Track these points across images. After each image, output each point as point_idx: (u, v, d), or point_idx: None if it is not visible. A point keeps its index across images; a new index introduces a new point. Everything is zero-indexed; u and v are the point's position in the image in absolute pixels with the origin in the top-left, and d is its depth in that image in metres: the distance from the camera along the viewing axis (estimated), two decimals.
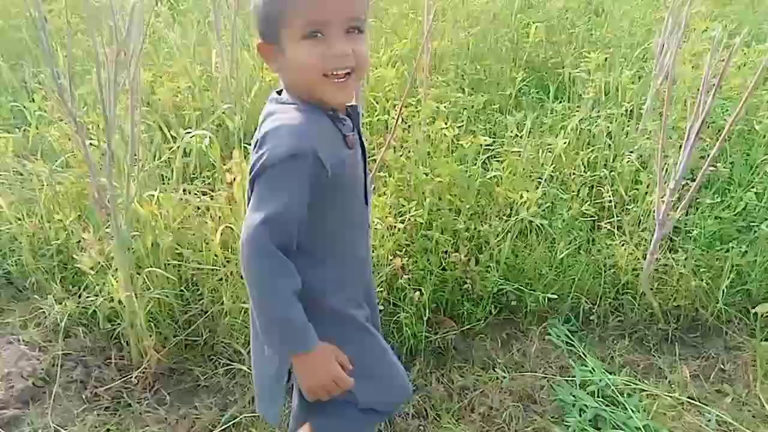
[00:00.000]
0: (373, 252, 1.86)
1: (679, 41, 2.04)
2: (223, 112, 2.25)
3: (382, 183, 2.07)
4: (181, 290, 1.87)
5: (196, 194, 2.03)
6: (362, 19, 1.03)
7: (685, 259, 1.96)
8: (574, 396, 1.72)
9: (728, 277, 1.91)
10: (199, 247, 1.88)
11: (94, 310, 1.84)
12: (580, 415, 1.66)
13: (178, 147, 2.00)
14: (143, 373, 1.77)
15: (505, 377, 1.80)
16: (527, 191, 2.01)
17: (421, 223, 1.99)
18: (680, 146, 1.78)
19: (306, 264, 1.08)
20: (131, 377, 1.78)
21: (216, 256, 1.86)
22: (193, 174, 2.31)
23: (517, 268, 2.05)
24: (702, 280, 1.93)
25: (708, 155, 1.70)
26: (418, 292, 1.87)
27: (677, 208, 1.84)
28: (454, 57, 2.98)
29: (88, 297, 1.86)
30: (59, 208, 2.05)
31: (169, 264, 1.83)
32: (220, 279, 1.89)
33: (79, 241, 1.88)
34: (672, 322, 1.99)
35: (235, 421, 1.67)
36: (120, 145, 1.73)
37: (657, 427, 1.63)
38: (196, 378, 1.80)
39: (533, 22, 3.14)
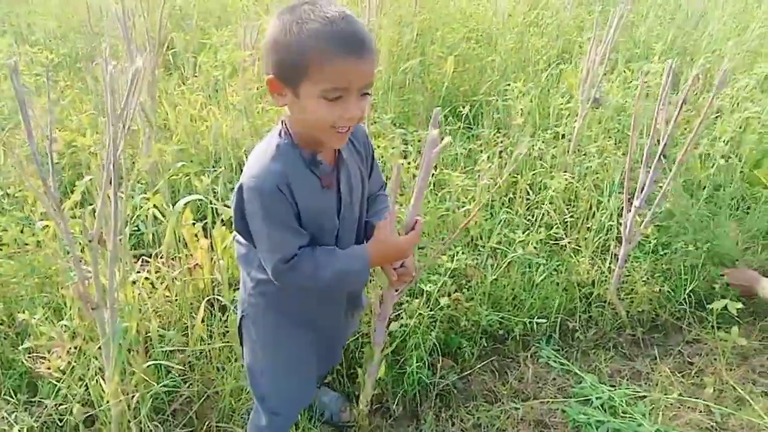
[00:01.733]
0: None
1: (605, 68, 2.24)
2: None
3: None
4: (170, 381, 1.66)
5: (158, 268, 1.82)
6: (372, 82, 1.11)
7: (645, 268, 2.14)
8: (585, 414, 1.79)
9: (685, 280, 2.12)
10: (181, 327, 1.69)
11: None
12: (597, 431, 1.73)
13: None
14: None
15: (518, 408, 1.83)
16: (487, 220, 2.08)
17: None
18: (623, 169, 1.95)
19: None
20: None
21: (200, 333, 1.69)
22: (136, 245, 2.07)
23: (494, 296, 2.10)
24: (662, 285, 2.12)
25: (667, 176, 1.87)
26: (418, 335, 1.84)
27: (640, 224, 2.00)
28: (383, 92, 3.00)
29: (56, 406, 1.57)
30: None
31: (150, 353, 1.62)
32: (205, 357, 1.71)
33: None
34: (638, 327, 2.16)
35: None
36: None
37: (666, 430, 1.74)
38: None
39: (444, 55, 3.27)
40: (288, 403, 1.46)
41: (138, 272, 1.63)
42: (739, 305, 1.99)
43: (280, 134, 1.15)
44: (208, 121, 2.42)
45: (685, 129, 2.79)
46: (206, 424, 1.67)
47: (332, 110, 1.07)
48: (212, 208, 1.90)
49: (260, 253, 1.19)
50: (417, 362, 1.83)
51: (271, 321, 1.35)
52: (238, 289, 1.75)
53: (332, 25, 1.02)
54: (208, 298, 1.68)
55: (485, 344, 2.04)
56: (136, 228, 1.95)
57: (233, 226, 1.23)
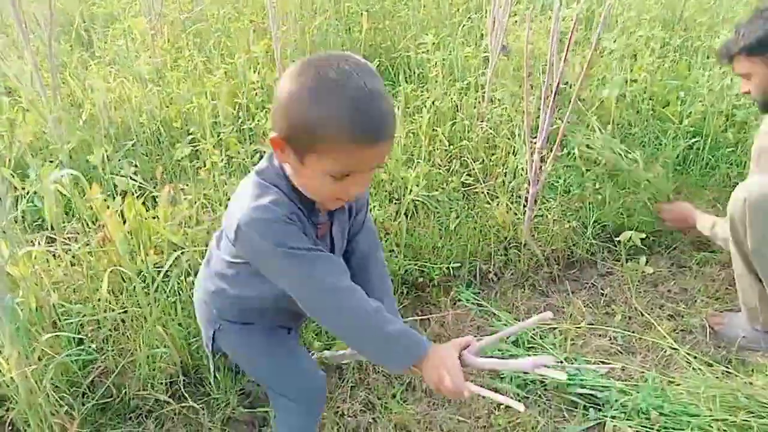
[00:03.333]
0: None
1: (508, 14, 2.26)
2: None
3: None
4: (79, 351, 1.65)
5: (65, 242, 1.79)
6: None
7: (555, 207, 2.21)
8: (500, 350, 1.86)
9: (592, 217, 2.20)
10: (86, 298, 1.67)
11: None
12: None
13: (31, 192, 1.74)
14: None
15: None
16: (410, 171, 2.11)
17: None
18: (524, 111, 1.99)
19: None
20: None
21: (108, 302, 1.68)
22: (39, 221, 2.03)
23: (414, 246, 2.14)
24: (573, 222, 2.19)
25: (566, 114, 1.92)
26: None
27: (545, 164, 2.06)
28: (298, 52, 2.96)
29: None
30: None
31: (59, 325, 1.60)
32: (116, 328, 1.70)
33: None
34: (554, 265, 2.23)
35: None
36: None
37: (574, 356, 1.83)
38: None
39: (360, 11, 3.24)
40: (307, 390, 1.42)
41: (34, 247, 1.60)
42: (642, 235, 2.09)
43: (271, 177, 1.11)
44: (115, 92, 2.36)
45: (597, 73, 2.85)
46: (125, 393, 1.67)
47: (337, 186, 1.03)
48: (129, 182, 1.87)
49: (292, 283, 1.11)
50: None
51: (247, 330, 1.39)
52: (144, 261, 1.75)
53: (354, 105, 0.94)
54: (112, 268, 1.66)
55: (407, 293, 2.09)
56: (32, 204, 1.91)
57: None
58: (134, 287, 1.66)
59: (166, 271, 1.72)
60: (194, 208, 1.86)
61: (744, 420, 1.55)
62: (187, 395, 1.73)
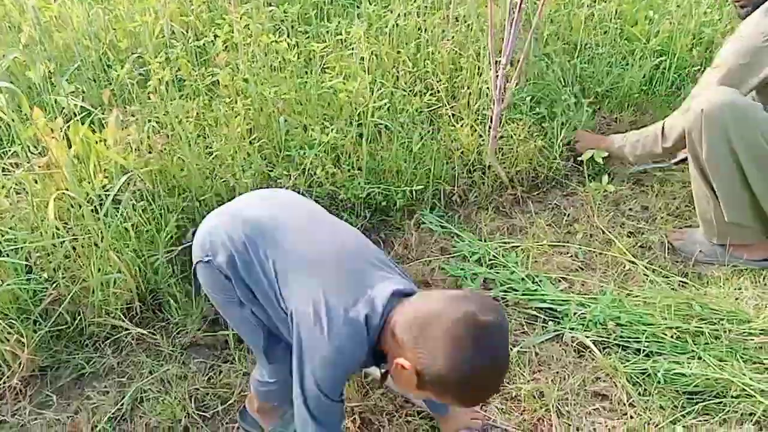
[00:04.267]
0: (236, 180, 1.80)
1: None
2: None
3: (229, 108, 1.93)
4: (27, 279, 1.59)
5: (6, 169, 1.70)
6: None
7: (521, 127, 2.17)
8: (462, 269, 1.86)
9: (559, 136, 2.18)
10: (34, 227, 1.60)
11: None
12: (473, 282, 1.81)
13: None
14: (7, 382, 1.51)
15: None
16: (371, 94, 2.04)
17: (280, 144, 1.93)
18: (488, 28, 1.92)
19: None
20: None
21: (58, 229, 1.61)
22: None
23: (377, 170, 2.10)
24: (538, 141, 2.16)
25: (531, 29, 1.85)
26: None
27: (509, 83, 2.00)
28: None
29: None
30: None
31: (4, 253, 1.54)
32: (67, 256, 1.65)
33: None
34: (518, 186, 2.22)
35: (144, 395, 1.52)
36: None
37: (536, 273, 1.84)
38: (79, 367, 1.58)
39: None
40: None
41: None
42: (604, 154, 2.08)
43: (373, 325, 1.07)
44: (55, 11, 2.21)
45: None
46: (78, 320, 1.64)
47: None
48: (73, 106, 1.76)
49: (296, 386, 1.11)
50: None
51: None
52: (92, 184, 1.68)
53: (495, 387, 1.08)
54: (59, 193, 1.59)
55: (370, 217, 2.06)
56: None
57: None
58: (83, 213, 1.60)
59: (116, 196, 1.65)
60: (144, 132, 1.78)
61: (696, 327, 1.59)
62: (145, 321, 1.71)
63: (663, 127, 1.98)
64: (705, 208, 1.85)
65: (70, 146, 1.70)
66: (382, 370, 1.18)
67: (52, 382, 1.57)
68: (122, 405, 1.50)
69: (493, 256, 1.91)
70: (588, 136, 2.27)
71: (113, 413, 1.49)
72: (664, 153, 2.02)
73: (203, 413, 1.50)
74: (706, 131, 1.70)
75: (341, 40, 2.30)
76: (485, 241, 1.99)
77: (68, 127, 1.70)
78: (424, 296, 1.08)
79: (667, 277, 1.83)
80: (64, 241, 1.59)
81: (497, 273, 1.84)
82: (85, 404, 1.51)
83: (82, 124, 1.73)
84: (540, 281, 1.81)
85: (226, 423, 1.49)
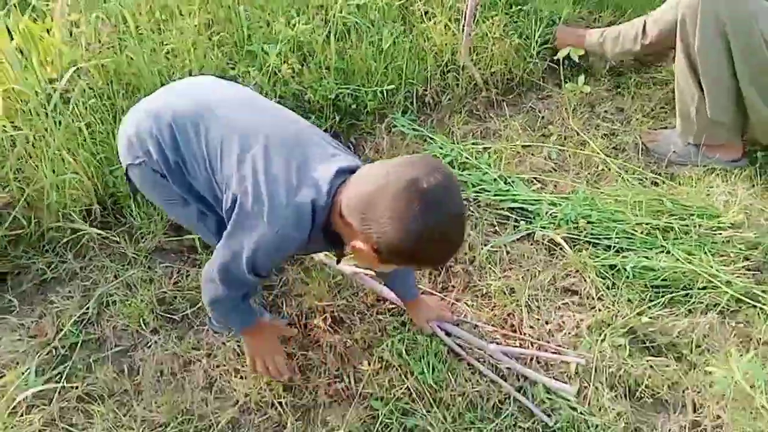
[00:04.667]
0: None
1: None
2: None
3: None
4: None
5: None
6: None
7: (496, 24, 2.08)
8: None
9: (536, 34, 2.09)
10: None
11: None
12: None
13: None
14: None
15: None
16: None
17: (242, 39, 1.81)
18: None
19: None
20: None
21: (5, 128, 1.51)
22: None
23: (347, 71, 2.00)
24: (513, 39, 2.08)
25: None
26: None
27: None
28: None
29: None
30: None
31: None
32: (20, 158, 1.56)
33: None
34: (493, 89, 2.15)
35: (109, 299, 1.49)
36: None
37: (508, 174, 1.81)
38: (41, 272, 1.53)
39: None
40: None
41: None
42: (581, 52, 2.01)
43: (319, 212, 1.04)
44: None
45: None
46: (35, 225, 1.57)
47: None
48: None
49: (217, 265, 1.12)
50: None
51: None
52: (38, 77, 1.56)
53: (451, 249, 1.03)
54: (2, 88, 1.47)
55: (341, 120, 1.98)
56: None
57: None
58: (30, 109, 1.49)
59: (66, 94, 1.54)
60: (92, 23, 1.64)
61: (667, 222, 1.60)
62: (107, 225, 1.65)
63: (644, 24, 1.91)
64: (687, 104, 1.82)
65: (11, 38, 1.57)
66: (335, 256, 1.23)
67: (13, 288, 1.52)
68: (87, 309, 1.47)
69: (466, 158, 1.87)
70: (568, 30, 2.17)
71: (78, 317, 1.45)
72: (642, 50, 1.96)
73: (172, 316, 1.48)
74: (702, 17, 1.63)
75: None
76: (458, 143, 1.94)
77: (8, 16, 1.57)
78: (366, 171, 1.03)
79: (639, 176, 1.82)
80: (13, 139, 1.50)
81: (469, 175, 1.81)
82: (49, 309, 1.47)
83: (22, 14, 1.59)
84: (512, 182, 1.78)
85: (197, 326, 1.47)
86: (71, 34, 1.64)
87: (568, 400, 1.29)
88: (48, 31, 1.60)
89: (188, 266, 1.58)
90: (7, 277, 1.53)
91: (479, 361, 1.37)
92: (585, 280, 1.53)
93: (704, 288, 1.47)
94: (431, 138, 1.95)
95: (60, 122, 1.53)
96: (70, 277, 1.55)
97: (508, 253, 1.61)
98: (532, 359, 1.38)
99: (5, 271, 1.53)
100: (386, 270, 1.24)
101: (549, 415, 1.28)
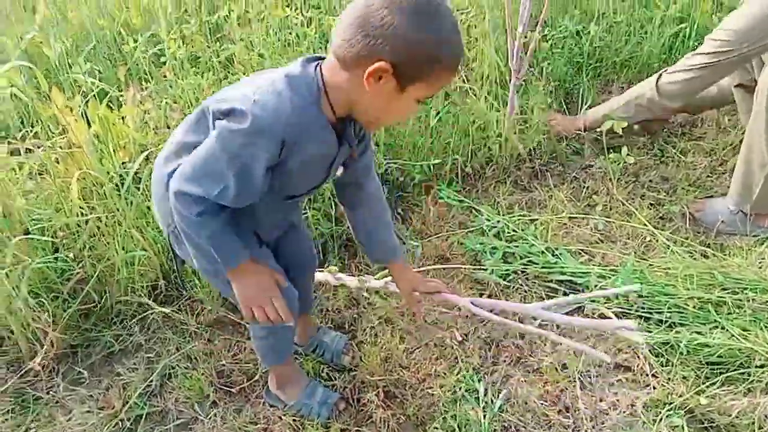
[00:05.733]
0: None
1: None
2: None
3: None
4: (54, 258, 1.62)
5: (29, 150, 1.71)
6: None
7: (538, 98, 2.15)
8: (482, 243, 1.86)
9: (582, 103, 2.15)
10: (58, 207, 1.62)
11: None
12: (492, 256, 1.81)
13: None
14: (42, 359, 1.54)
15: (417, 245, 1.88)
16: None
17: None
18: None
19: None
20: (28, 369, 1.54)
21: (81, 209, 1.63)
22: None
23: (395, 146, 2.09)
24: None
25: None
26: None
27: (526, 52, 1.98)
28: None
29: None
30: None
31: (31, 232, 1.56)
32: (93, 235, 1.67)
33: None
34: (536, 159, 2.21)
35: (171, 371, 1.55)
36: None
37: (555, 246, 1.84)
38: (108, 345, 1.61)
39: None
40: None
41: None
42: (624, 124, 2.05)
43: (306, 83, 0.99)
44: None
45: None
46: (105, 299, 1.66)
47: (415, 110, 1.05)
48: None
49: (185, 165, 1.02)
50: (318, 214, 1.84)
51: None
52: (112, 162, 1.69)
53: (455, 29, 0.96)
54: (81, 172, 1.60)
55: (389, 193, 2.06)
56: None
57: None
58: (104, 191, 1.61)
59: (137, 173, 1.66)
60: (161, 108, 1.78)
61: (719, 296, 1.59)
62: (170, 299, 1.73)
63: (658, 85, 2.00)
64: (754, 173, 1.80)
65: (89, 125, 1.71)
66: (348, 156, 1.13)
67: (83, 360, 1.60)
68: (151, 381, 1.54)
69: (512, 229, 1.90)
70: (566, 122, 2.26)
71: (143, 389, 1.52)
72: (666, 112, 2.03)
73: (229, 388, 1.53)
74: None
75: None
76: (504, 215, 1.98)
77: (87, 106, 1.71)
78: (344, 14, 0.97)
79: (688, 248, 1.82)
80: (88, 220, 1.61)
81: (516, 246, 1.84)
82: (115, 381, 1.55)
83: (100, 102, 1.74)
84: (560, 254, 1.81)
85: (253, 398, 1.51)
86: (143, 119, 1.77)
87: None
88: (122, 119, 1.73)
89: (245, 339, 1.64)
90: (78, 349, 1.62)
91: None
92: (638, 356, 1.52)
93: (762, 366, 1.44)
94: (477, 210, 2.00)
95: (131, 202, 1.64)
96: (136, 349, 1.62)
97: (557, 327, 1.62)
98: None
99: (76, 344, 1.62)
100: (406, 110, 1.06)
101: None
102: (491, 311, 1.40)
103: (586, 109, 2.26)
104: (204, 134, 1.04)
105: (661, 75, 2.05)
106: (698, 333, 1.52)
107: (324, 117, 1.02)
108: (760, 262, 1.74)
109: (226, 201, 1.02)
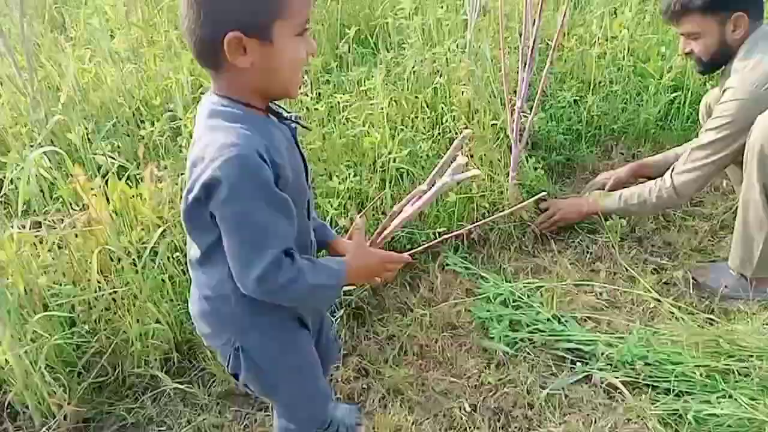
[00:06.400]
0: None
1: None
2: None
3: None
4: (71, 333, 1.66)
5: (51, 225, 1.78)
6: None
7: (539, 167, 2.22)
8: (488, 311, 1.89)
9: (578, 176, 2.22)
10: (76, 281, 1.68)
11: None
12: (499, 324, 1.83)
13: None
14: None
15: (426, 313, 1.91)
16: (391, 140, 2.11)
17: None
18: (502, 71, 1.99)
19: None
20: None
21: (99, 282, 1.68)
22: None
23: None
24: (556, 182, 2.21)
25: (544, 68, 1.92)
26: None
27: (525, 123, 2.06)
28: None
29: None
30: None
31: (50, 308, 1.61)
32: (108, 308, 1.71)
33: None
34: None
35: None
36: None
37: (561, 313, 1.87)
38: (121, 418, 1.63)
39: None
40: (321, 407, 1.31)
41: (14, 229, 1.60)
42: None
43: (225, 112, 1.01)
44: (92, 73, 2.33)
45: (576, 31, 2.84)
46: (118, 372, 1.69)
47: (304, 46, 1.02)
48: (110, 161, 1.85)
49: (234, 254, 1.00)
50: None
51: (268, 335, 1.16)
52: (130, 238, 1.75)
53: None
54: (100, 248, 1.66)
55: None
56: (15, 188, 1.90)
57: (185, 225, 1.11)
58: (122, 266, 1.67)
59: (153, 248, 1.72)
60: (178, 185, 1.86)
61: (725, 365, 1.60)
62: (182, 371, 1.76)
63: (674, 186, 1.98)
64: (753, 238, 1.82)
65: (108, 202, 1.78)
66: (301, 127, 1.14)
67: None
68: None
69: (518, 296, 1.93)
70: (567, 204, 2.23)
71: None
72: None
73: None
74: None
75: (364, 91, 2.38)
76: (509, 281, 2.02)
77: (106, 183, 1.79)
78: None
79: (693, 314, 1.84)
80: (104, 294, 1.66)
81: (523, 314, 1.86)
82: None
83: (119, 179, 1.82)
84: (566, 321, 1.83)
85: None
86: (159, 197, 1.84)
87: None
88: (140, 195, 1.81)
89: (256, 410, 1.66)
90: (90, 423, 1.64)
91: None
92: (647, 427, 1.52)
93: None
94: (483, 276, 2.04)
95: (147, 276, 1.70)
96: (147, 423, 1.64)
97: (566, 396, 1.63)
98: None
99: (89, 417, 1.64)
100: (295, 54, 1.02)
101: None
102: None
103: (589, 186, 2.32)
104: (209, 228, 1.04)
105: (672, 177, 2.00)
106: (706, 402, 1.53)
107: (260, 117, 1.05)
108: (763, 328, 1.76)
109: (289, 234, 1.03)
